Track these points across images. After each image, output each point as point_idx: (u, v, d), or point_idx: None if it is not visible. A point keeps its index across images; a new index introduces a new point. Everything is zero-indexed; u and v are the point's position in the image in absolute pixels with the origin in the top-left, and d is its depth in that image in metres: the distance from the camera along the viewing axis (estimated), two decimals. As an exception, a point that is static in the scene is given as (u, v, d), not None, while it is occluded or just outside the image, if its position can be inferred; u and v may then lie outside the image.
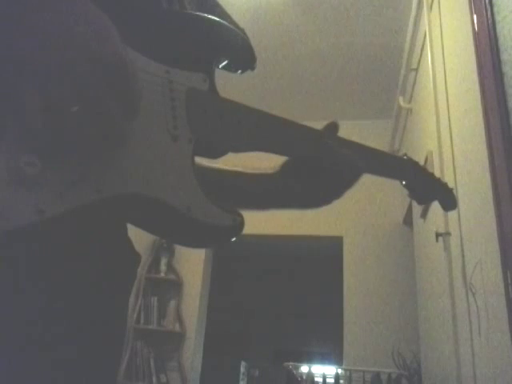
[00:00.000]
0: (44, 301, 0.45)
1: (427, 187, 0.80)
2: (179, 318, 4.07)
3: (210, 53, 0.61)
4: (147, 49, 0.53)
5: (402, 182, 0.78)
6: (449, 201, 0.83)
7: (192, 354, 4.01)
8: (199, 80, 0.58)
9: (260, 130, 0.64)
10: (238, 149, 0.66)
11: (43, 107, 0.40)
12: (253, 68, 0.65)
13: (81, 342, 0.48)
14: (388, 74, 3.67)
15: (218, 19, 0.61)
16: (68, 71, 0.40)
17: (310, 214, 3.97)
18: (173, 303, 4.07)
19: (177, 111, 0.54)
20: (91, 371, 0.49)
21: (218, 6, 0.73)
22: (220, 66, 0.63)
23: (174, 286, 4.18)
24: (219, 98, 0.61)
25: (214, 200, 0.54)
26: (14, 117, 0.40)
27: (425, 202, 0.84)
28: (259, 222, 4.06)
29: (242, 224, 0.55)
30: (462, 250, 1.91)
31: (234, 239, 0.55)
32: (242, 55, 0.64)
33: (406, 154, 0.79)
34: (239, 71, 0.65)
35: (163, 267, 4.14)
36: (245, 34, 0.66)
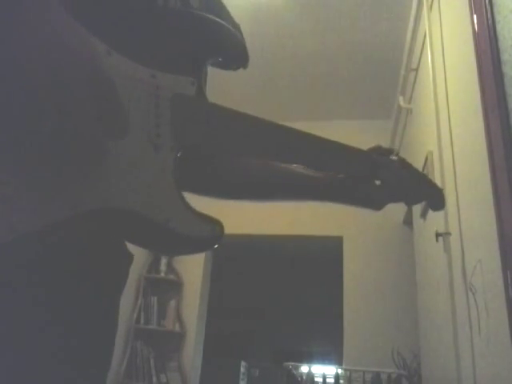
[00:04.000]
0: (34, 301, 0.45)
1: (417, 188, 0.79)
2: (179, 318, 4.06)
3: (200, 53, 0.60)
4: (135, 51, 0.52)
5: None
6: (438, 201, 0.81)
7: (192, 354, 4.01)
8: (187, 84, 0.57)
9: (250, 135, 0.63)
10: (228, 154, 0.66)
11: (23, 120, 0.39)
12: (245, 66, 0.64)
13: (71, 340, 0.48)
14: (388, 74, 3.67)
15: (211, 17, 0.60)
16: (49, 83, 0.39)
17: (310, 213, 3.97)
18: (173, 303, 4.06)
19: (160, 119, 0.53)
20: (80, 369, 0.48)
21: (219, 1, 0.72)
22: (212, 64, 0.62)
23: (174, 286, 4.17)
24: (206, 103, 0.60)
25: (193, 210, 0.54)
26: None
27: (413, 203, 0.84)
28: (259, 222, 4.06)
29: (221, 233, 0.55)
30: (462, 250, 1.91)
31: (214, 247, 0.56)
32: (235, 53, 0.64)
33: (397, 154, 0.78)
34: (231, 69, 0.64)
35: (163, 267, 4.14)
36: (239, 31, 0.65)
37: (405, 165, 0.78)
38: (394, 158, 0.78)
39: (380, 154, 0.76)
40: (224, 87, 3.50)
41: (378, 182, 0.76)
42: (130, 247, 0.60)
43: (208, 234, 0.54)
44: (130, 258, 0.60)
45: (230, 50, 0.63)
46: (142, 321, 3.94)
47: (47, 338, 0.45)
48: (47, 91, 0.39)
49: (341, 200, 0.79)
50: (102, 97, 0.43)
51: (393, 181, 0.75)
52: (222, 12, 0.67)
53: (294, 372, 3.33)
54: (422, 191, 0.80)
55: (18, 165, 0.41)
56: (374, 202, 0.77)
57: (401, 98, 3.43)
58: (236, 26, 0.65)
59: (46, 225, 0.41)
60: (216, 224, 0.55)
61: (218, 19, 0.61)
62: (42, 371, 0.45)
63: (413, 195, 0.80)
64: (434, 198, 0.81)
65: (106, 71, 0.46)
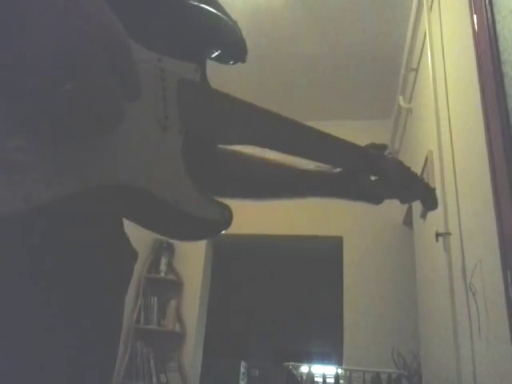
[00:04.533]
0: (37, 296, 0.44)
1: (411, 186, 0.81)
2: (179, 318, 4.06)
3: (202, 43, 0.60)
4: (140, 36, 0.52)
5: None
6: (431, 200, 0.84)
7: (192, 354, 4.01)
8: (191, 70, 0.58)
9: (252, 123, 0.64)
10: (229, 141, 0.67)
11: (38, 85, 0.38)
12: (244, 60, 0.65)
13: (76, 338, 0.47)
14: (388, 74, 3.67)
15: (212, 10, 0.61)
16: (63, 45, 0.38)
17: (310, 214, 3.97)
18: (173, 303, 4.06)
19: (168, 101, 0.53)
20: (86, 368, 0.48)
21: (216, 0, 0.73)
22: (211, 57, 0.62)
23: (174, 286, 4.17)
24: (211, 89, 0.60)
25: (203, 192, 0.53)
26: (4, 97, 0.39)
27: (407, 201, 0.86)
28: (259, 222, 4.06)
29: (230, 218, 0.55)
30: (462, 250, 1.91)
31: (222, 232, 0.56)
32: (234, 47, 0.64)
33: (390, 153, 0.81)
34: (230, 63, 0.65)
35: (163, 267, 4.14)
36: (237, 26, 0.66)
37: (399, 163, 0.80)
38: (389, 156, 0.81)
39: (375, 149, 0.78)
40: (223, 87, 3.49)
41: (373, 178, 0.78)
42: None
43: (218, 217, 0.54)
44: (135, 254, 0.60)
45: (230, 42, 0.63)
46: (141, 321, 3.94)
47: (52, 334, 0.45)
48: (65, 55, 0.38)
49: (341, 195, 0.80)
50: (119, 59, 0.42)
51: (391, 174, 0.77)
52: (220, 9, 0.67)
53: (294, 372, 3.33)
54: (416, 189, 0.82)
55: (34, 134, 0.40)
56: (373, 196, 0.78)
57: (401, 98, 3.43)
58: (233, 21, 0.66)
59: (58, 198, 0.41)
60: (225, 208, 0.55)
61: (218, 12, 0.62)
62: (44, 371, 0.44)
63: (407, 192, 0.82)
64: (427, 197, 0.84)
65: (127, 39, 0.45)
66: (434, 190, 0.84)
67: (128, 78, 0.43)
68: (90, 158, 0.44)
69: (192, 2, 0.61)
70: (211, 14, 0.61)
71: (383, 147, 0.79)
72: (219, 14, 0.62)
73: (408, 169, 0.81)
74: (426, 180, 0.85)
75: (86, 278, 0.49)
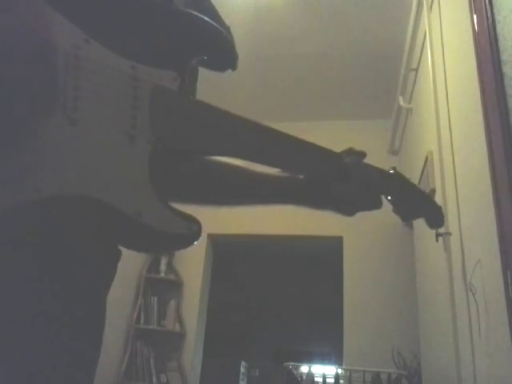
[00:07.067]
0: (18, 294, 0.44)
1: (414, 203, 0.76)
2: (179, 318, 4.06)
3: (184, 50, 0.58)
4: (114, 42, 0.51)
5: (387, 198, 0.74)
6: (436, 218, 0.79)
7: (192, 354, 4.01)
8: (168, 78, 0.56)
9: (234, 135, 0.61)
10: (208, 152, 0.64)
11: None
12: (234, 68, 0.62)
13: (56, 334, 0.47)
14: (388, 73, 3.67)
15: (195, 14, 0.59)
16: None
17: (310, 213, 3.95)
18: (173, 303, 4.06)
19: (138, 110, 0.52)
20: (65, 364, 0.47)
21: (208, 3, 0.71)
22: (198, 64, 0.61)
23: (174, 286, 4.17)
24: (189, 99, 0.58)
25: (169, 206, 0.52)
26: None
27: (410, 218, 0.80)
28: (259, 222, 4.06)
29: (197, 233, 0.53)
30: (462, 250, 1.91)
31: (190, 246, 0.54)
32: (221, 53, 0.62)
33: (394, 168, 0.75)
34: (220, 70, 0.62)
35: (163, 267, 4.14)
36: (229, 32, 0.64)
37: (403, 179, 0.76)
38: (391, 171, 0.75)
39: (351, 155, 0.72)
40: (223, 87, 3.49)
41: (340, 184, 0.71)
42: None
43: (184, 231, 0.53)
44: (118, 254, 0.58)
45: (216, 48, 0.61)
46: (142, 321, 3.94)
47: (33, 330, 0.45)
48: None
49: (307, 202, 0.76)
50: (40, 76, 0.42)
51: (361, 183, 0.70)
52: (211, 13, 0.66)
53: (294, 372, 3.33)
54: (421, 207, 0.77)
55: None
56: (343, 206, 0.72)
57: (401, 98, 3.43)
58: (225, 28, 0.64)
59: (7, 208, 0.41)
60: (192, 221, 0.53)
61: (203, 17, 0.59)
62: (26, 364, 0.44)
63: (411, 210, 0.77)
64: (433, 215, 0.79)
65: (58, 53, 0.45)
66: (440, 207, 0.79)
67: (47, 98, 0.43)
68: (43, 168, 0.43)
69: (176, 8, 0.59)
70: (193, 18, 0.58)
71: (361, 154, 0.72)
72: (204, 17, 0.59)
73: (412, 185, 0.76)
74: (430, 195, 0.80)
75: (68, 277, 0.48)
